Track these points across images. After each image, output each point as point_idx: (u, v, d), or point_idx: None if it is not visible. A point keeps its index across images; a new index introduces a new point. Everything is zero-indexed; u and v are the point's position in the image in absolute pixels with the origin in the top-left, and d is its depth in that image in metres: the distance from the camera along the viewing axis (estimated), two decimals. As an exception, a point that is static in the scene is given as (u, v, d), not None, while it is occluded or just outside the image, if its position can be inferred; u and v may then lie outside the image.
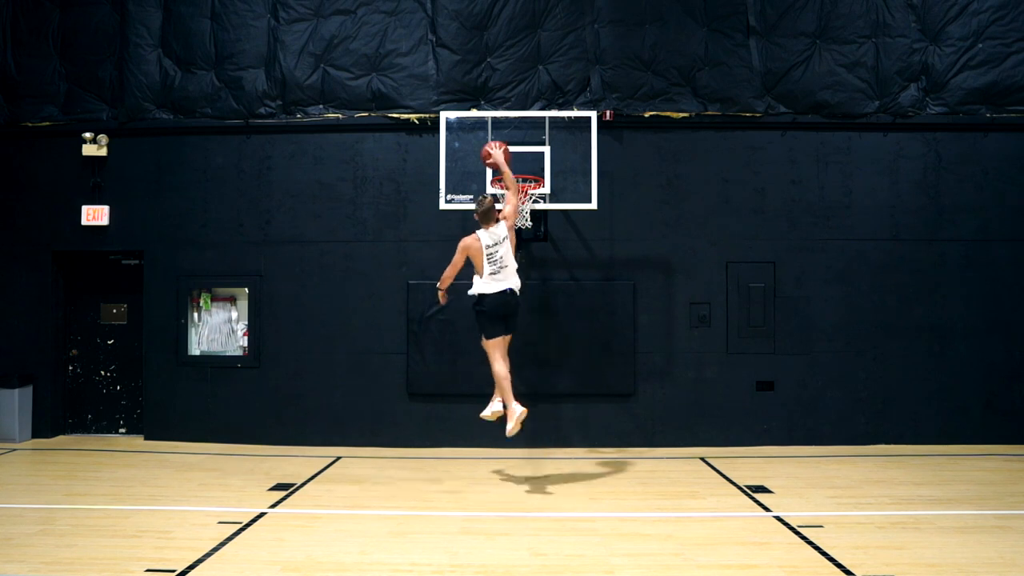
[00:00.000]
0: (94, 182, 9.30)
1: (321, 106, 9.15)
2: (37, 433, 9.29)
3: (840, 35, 9.01)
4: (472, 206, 8.20)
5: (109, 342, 9.59)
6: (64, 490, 7.00)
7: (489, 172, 8.16)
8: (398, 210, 9.11)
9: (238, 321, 9.28)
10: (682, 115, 9.04)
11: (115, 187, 9.31)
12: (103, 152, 9.23)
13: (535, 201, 8.15)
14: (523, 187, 8.04)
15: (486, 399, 8.43)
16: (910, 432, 8.89)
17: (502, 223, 7.17)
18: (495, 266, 7.04)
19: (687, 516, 6.22)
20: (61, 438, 9.38)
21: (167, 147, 9.29)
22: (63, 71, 9.33)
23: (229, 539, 5.55)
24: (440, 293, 7.37)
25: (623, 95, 9.00)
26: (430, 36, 9.07)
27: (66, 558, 5.14)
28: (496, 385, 7.19)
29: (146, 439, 9.19)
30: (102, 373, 9.58)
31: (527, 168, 8.15)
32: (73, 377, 9.60)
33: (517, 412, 6.93)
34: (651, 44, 9.01)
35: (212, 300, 9.30)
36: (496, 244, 7.06)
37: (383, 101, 9.08)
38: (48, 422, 9.32)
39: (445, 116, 8.43)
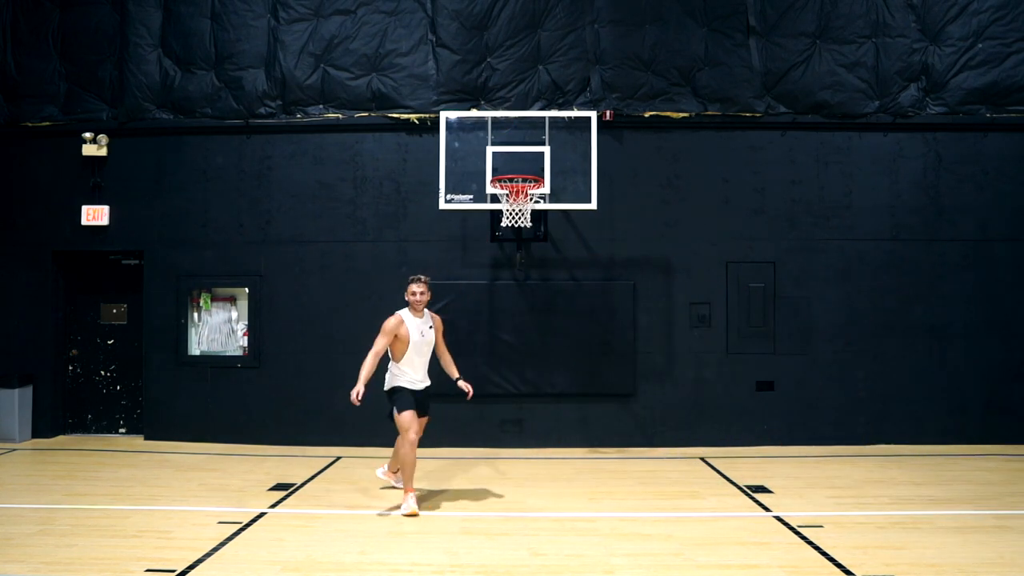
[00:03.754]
0: (94, 182, 9.30)
1: (321, 106, 9.15)
2: (37, 433, 9.29)
3: (840, 35, 9.01)
4: (470, 206, 8.24)
5: (109, 342, 9.59)
6: (64, 490, 7.00)
7: (489, 173, 8.17)
8: (398, 210, 9.11)
9: (238, 321, 9.27)
10: (682, 115, 9.04)
11: (115, 187, 9.31)
12: (103, 152, 9.23)
13: (535, 201, 8.15)
14: (522, 187, 8.04)
15: (485, 399, 8.45)
16: (910, 432, 8.89)
17: (428, 316, 6.64)
18: (422, 353, 6.59)
19: (687, 516, 6.21)
20: (61, 438, 9.38)
21: (167, 147, 9.29)
22: (63, 71, 9.33)
23: (229, 539, 5.55)
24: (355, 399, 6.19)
25: (623, 95, 9.01)
26: (430, 36, 9.07)
27: (66, 558, 5.14)
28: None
29: (146, 439, 9.19)
30: (102, 373, 9.58)
31: (527, 168, 8.15)
32: (73, 377, 9.59)
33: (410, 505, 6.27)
34: (651, 44, 9.01)
35: (212, 300, 9.30)
36: (425, 334, 6.57)
37: (383, 101, 9.08)
38: (48, 422, 9.32)
39: (445, 116, 8.43)
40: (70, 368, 9.60)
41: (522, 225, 8.14)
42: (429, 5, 9.06)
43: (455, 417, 8.87)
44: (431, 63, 9.06)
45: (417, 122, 9.07)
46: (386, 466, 7.17)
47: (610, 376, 8.89)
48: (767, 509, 6.38)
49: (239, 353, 9.21)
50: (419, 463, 8.24)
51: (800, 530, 5.75)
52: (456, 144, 8.37)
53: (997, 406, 8.91)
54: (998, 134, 9.05)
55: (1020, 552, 5.25)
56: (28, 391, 9.23)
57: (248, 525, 5.90)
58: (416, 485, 7.28)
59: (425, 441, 8.86)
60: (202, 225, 9.23)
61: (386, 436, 8.93)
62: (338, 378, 9.00)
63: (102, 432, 9.58)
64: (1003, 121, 9.00)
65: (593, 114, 8.47)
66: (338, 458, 8.42)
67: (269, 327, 9.13)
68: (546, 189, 8.19)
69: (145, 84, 9.24)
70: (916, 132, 9.07)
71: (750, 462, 8.16)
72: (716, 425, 8.93)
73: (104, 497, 6.76)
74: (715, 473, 7.73)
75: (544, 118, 8.43)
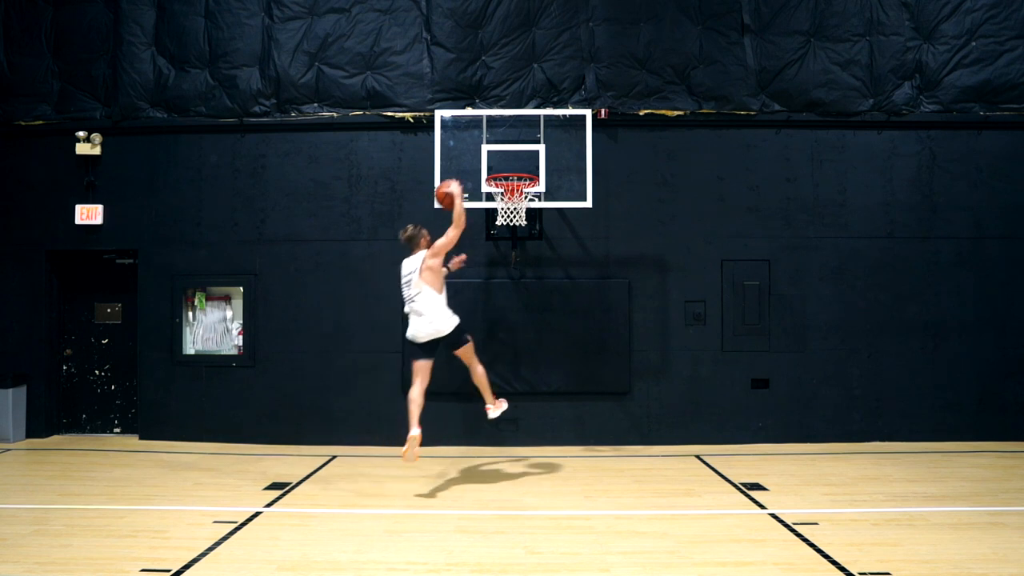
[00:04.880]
0: (88, 181, 9.27)
1: (316, 105, 9.13)
2: (31, 433, 9.26)
3: (834, 33, 9.03)
4: (465, 204, 8.23)
5: (103, 341, 9.56)
6: (58, 490, 6.98)
7: (484, 171, 8.18)
8: (393, 209, 9.10)
9: (233, 320, 9.25)
10: (677, 113, 9.05)
11: (109, 186, 9.28)
12: (97, 151, 9.20)
13: (530, 199, 8.15)
14: (517, 185, 8.04)
15: (481, 398, 8.44)
16: (904, 429, 8.92)
17: (421, 253, 7.04)
18: (408, 296, 7.00)
19: (683, 514, 6.22)
20: (55, 438, 9.35)
21: (161, 146, 9.27)
22: (56, 69, 9.29)
23: (224, 538, 5.54)
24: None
25: (618, 93, 9.01)
26: (424, 34, 9.06)
27: (60, 558, 5.12)
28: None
29: (141, 439, 9.17)
30: (96, 373, 9.55)
31: (522, 166, 8.16)
32: (67, 377, 9.57)
33: (412, 434, 6.74)
34: (646, 42, 9.01)
35: (207, 299, 9.28)
36: (409, 273, 7.01)
37: (378, 99, 9.07)
38: (42, 422, 9.29)
39: (440, 115, 8.43)
40: (64, 368, 9.57)
41: (517, 223, 8.15)
42: (423, 3, 9.04)
43: (451, 415, 8.87)
44: (426, 61, 9.05)
45: (412, 121, 9.06)
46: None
47: (605, 374, 8.90)
48: (762, 506, 6.39)
49: (234, 352, 9.19)
50: (417, 460, 8.25)
51: (795, 527, 5.77)
52: (451, 143, 8.37)
53: (991, 403, 8.94)
54: (992, 132, 9.08)
55: (1014, 548, 5.27)
56: (22, 391, 9.20)
57: (243, 524, 5.89)
58: (412, 483, 7.30)
59: (421, 439, 8.88)
60: (196, 224, 9.21)
61: (381, 435, 8.95)
62: (333, 377, 9.03)
63: (97, 432, 9.56)
64: (997, 119, 9.03)
65: (588, 112, 8.48)
66: (333, 457, 8.41)
67: (264, 326, 9.11)
68: (541, 187, 8.20)
69: (139, 83, 9.21)
70: (910, 130, 9.09)
71: (745, 459, 8.17)
72: (711, 423, 8.94)
73: (99, 497, 6.75)
74: (710, 471, 7.74)
75: (539, 116, 8.43)
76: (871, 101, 9.03)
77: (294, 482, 7.28)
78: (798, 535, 5.59)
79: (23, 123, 9.32)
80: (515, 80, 9.03)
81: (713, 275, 9.04)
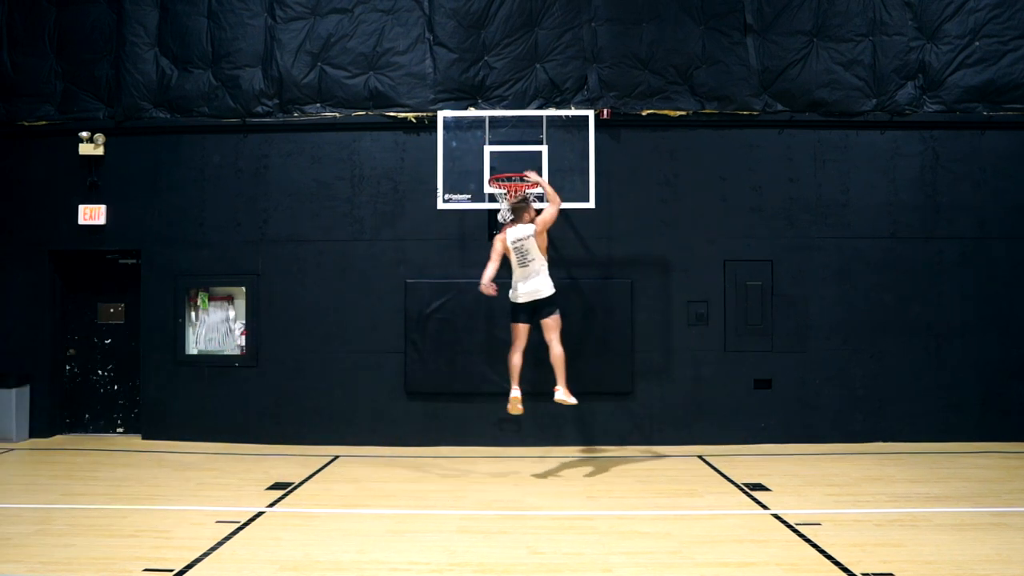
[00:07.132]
0: (91, 181, 9.28)
1: (318, 105, 9.14)
2: (34, 433, 9.27)
3: (837, 33, 9.02)
4: (468, 206, 8.26)
5: (106, 341, 9.57)
6: (61, 490, 6.99)
7: (487, 172, 8.19)
8: (395, 209, 9.10)
9: (236, 320, 9.26)
10: (679, 113, 9.04)
11: (112, 186, 9.29)
12: (100, 151, 9.21)
13: (533, 200, 8.13)
14: (520, 186, 8.04)
15: (484, 397, 8.46)
16: (907, 430, 8.90)
17: (530, 225, 7.41)
18: (520, 262, 7.42)
19: (685, 514, 6.22)
20: (58, 438, 9.37)
21: (164, 146, 9.28)
22: (59, 70, 9.31)
23: (227, 538, 5.54)
24: (484, 288, 7.33)
25: (620, 93, 9.00)
26: (427, 35, 9.06)
27: (63, 558, 5.13)
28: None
29: (144, 439, 9.18)
30: (99, 373, 9.57)
31: (524, 167, 8.15)
32: (70, 377, 9.58)
33: (512, 395, 7.42)
34: (648, 42, 9.01)
35: (209, 299, 9.29)
36: (519, 240, 7.38)
37: (380, 100, 9.07)
38: (45, 422, 9.31)
39: (442, 115, 8.44)
40: (67, 368, 9.58)
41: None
42: (426, 4, 9.04)
43: (453, 416, 8.88)
44: (428, 62, 9.05)
45: (414, 121, 9.06)
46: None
47: (608, 374, 8.89)
48: (765, 507, 6.38)
49: (237, 352, 9.20)
50: (419, 461, 8.27)
51: (798, 528, 5.76)
52: (453, 143, 8.37)
53: (994, 404, 8.92)
54: (995, 132, 9.06)
55: (1017, 549, 5.26)
56: (25, 391, 9.21)
57: (246, 524, 5.90)
58: (415, 483, 7.30)
59: (424, 439, 8.92)
60: (199, 224, 9.22)
61: (383, 435, 8.96)
62: (336, 377, 9.03)
63: (99, 432, 9.57)
64: (1000, 119, 9.01)
65: (590, 113, 8.48)
66: (336, 457, 8.42)
67: (267, 326, 9.12)
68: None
69: (142, 83, 9.22)
70: (913, 130, 9.08)
71: (748, 460, 8.17)
72: (714, 423, 8.93)
73: (102, 497, 6.76)
74: (713, 471, 7.73)
75: (541, 117, 8.43)
76: (874, 101, 9.02)
77: (297, 482, 7.29)
78: (801, 536, 5.58)
79: (26, 123, 9.34)
80: (517, 80, 9.03)
81: (716, 275, 9.03)
